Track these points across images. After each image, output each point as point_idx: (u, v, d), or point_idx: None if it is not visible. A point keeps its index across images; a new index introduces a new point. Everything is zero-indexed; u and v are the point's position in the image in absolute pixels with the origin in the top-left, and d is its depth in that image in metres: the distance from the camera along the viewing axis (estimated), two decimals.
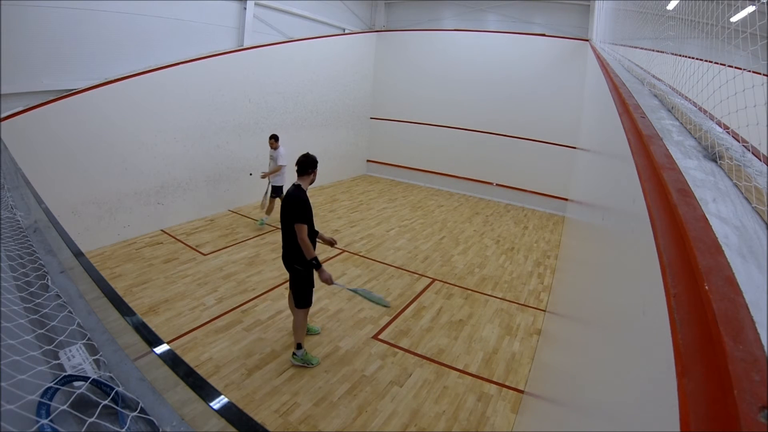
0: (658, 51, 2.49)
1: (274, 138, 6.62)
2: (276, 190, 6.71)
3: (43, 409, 0.74)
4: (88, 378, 0.84)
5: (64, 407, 0.74)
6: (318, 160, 3.62)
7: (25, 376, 0.77)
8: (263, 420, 3.11)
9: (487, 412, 3.39)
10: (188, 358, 3.66)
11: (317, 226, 3.88)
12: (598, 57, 5.09)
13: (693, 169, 0.94)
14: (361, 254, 6.32)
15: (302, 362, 3.71)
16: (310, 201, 3.52)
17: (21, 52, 4.79)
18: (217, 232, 6.75)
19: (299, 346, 3.74)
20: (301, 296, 3.64)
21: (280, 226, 3.63)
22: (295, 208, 3.39)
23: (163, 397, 0.88)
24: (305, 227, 3.39)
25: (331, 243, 3.93)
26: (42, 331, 0.99)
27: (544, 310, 5.11)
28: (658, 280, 0.71)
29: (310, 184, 3.61)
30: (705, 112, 1.48)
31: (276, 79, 8.37)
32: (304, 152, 3.65)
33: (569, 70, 9.06)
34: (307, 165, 3.55)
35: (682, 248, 0.65)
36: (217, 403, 0.83)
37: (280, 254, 3.69)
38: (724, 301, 0.50)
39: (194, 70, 6.76)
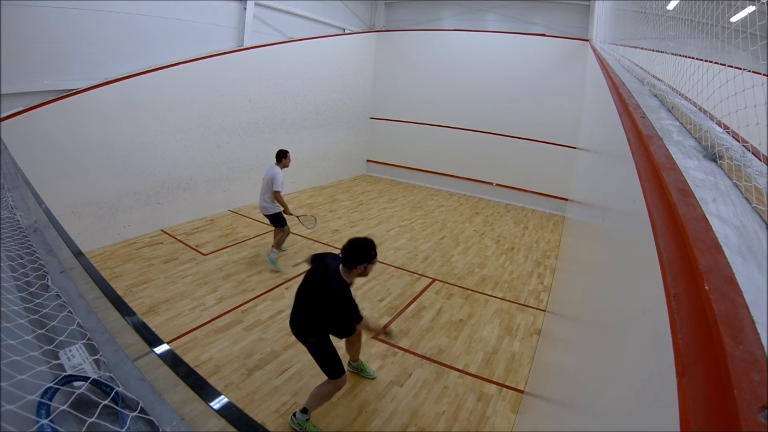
0: (658, 51, 2.49)
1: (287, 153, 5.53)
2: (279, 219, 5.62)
3: (43, 409, 0.74)
4: (88, 378, 0.84)
5: (64, 407, 0.74)
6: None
7: (25, 376, 0.77)
8: (263, 420, 3.11)
9: (487, 412, 3.39)
10: (188, 358, 3.66)
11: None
12: (598, 57, 5.09)
13: (693, 169, 0.94)
14: None
15: (299, 428, 2.98)
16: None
17: (21, 52, 4.79)
18: (217, 232, 6.74)
19: (305, 410, 2.97)
20: (329, 365, 2.96)
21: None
22: (347, 302, 2.72)
23: (163, 397, 0.88)
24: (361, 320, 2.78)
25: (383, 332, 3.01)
26: (42, 331, 0.99)
27: (544, 310, 5.11)
28: (658, 280, 0.71)
29: (361, 276, 2.83)
30: (705, 112, 1.48)
31: (276, 79, 8.36)
32: (354, 238, 2.79)
33: (569, 70, 9.05)
34: (358, 258, 2.71)
35: (682, 248, 0.65)
36: (217, 403, 0.83)
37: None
38: (724, 301, 0.50)
39: (194, 70, 6.75)
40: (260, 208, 5.56)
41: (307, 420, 2.97)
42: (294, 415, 3.01)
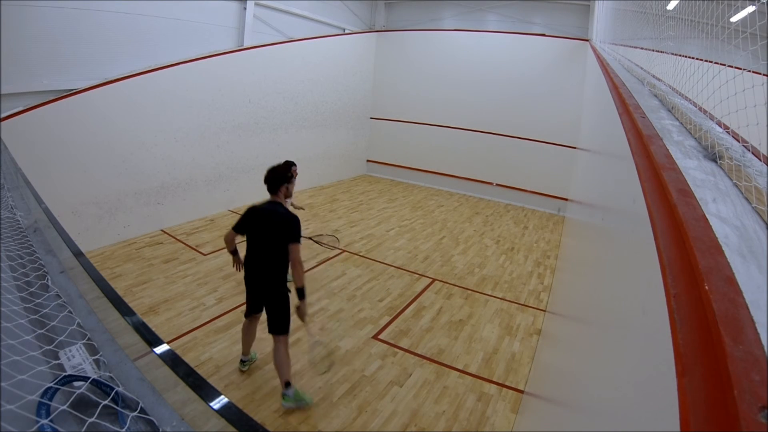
0: (658, 51, 2.48)
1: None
2: None
3: (43, 409, 0.74)
4: (88, 378, 0.84)
5: (64, 407, 0.74)
6: (291, 166, 3.08)
7: (25, 376, 0.77)
8: (263, 420, 3.11)
9: (487, 412, 3.39)
10: (188, 358, 3.66)
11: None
12: (598, 57, 5.09)
13: (693, 169, 0.94)
14: (361, 254, 6.32)
15: (295, 403, 3.14)
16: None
17: (21, 52, 4.79)
18: (217, 232, 6.74)
19: (288, 384, 3.13)
20: (284, 320, 3.15)
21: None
22: (291, 227, 2.97)
23: (163, 397, 0.88)
24: (299, 246, 3.01)
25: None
26: (42, 331, 0.99)
27: (544, 310, 5.11)
28: (658, 280, 0.71)
29: (287, 198, 3.16)
30: (705, 112, 1.48)
31: (276, 79, 8.37)
32: (271, 167, 3.12)
33: (569, 70, 9.05)
34: (277, 182, 3.04)
35: (682, 248, 0.65)
36: (217, 403, 0.83)
37: None
38: (724, 301, 0.50)
39: (194, 70, 6.75)
40: None
41: (297, 390, 3.16)
42: (283, 395, 3.12)
